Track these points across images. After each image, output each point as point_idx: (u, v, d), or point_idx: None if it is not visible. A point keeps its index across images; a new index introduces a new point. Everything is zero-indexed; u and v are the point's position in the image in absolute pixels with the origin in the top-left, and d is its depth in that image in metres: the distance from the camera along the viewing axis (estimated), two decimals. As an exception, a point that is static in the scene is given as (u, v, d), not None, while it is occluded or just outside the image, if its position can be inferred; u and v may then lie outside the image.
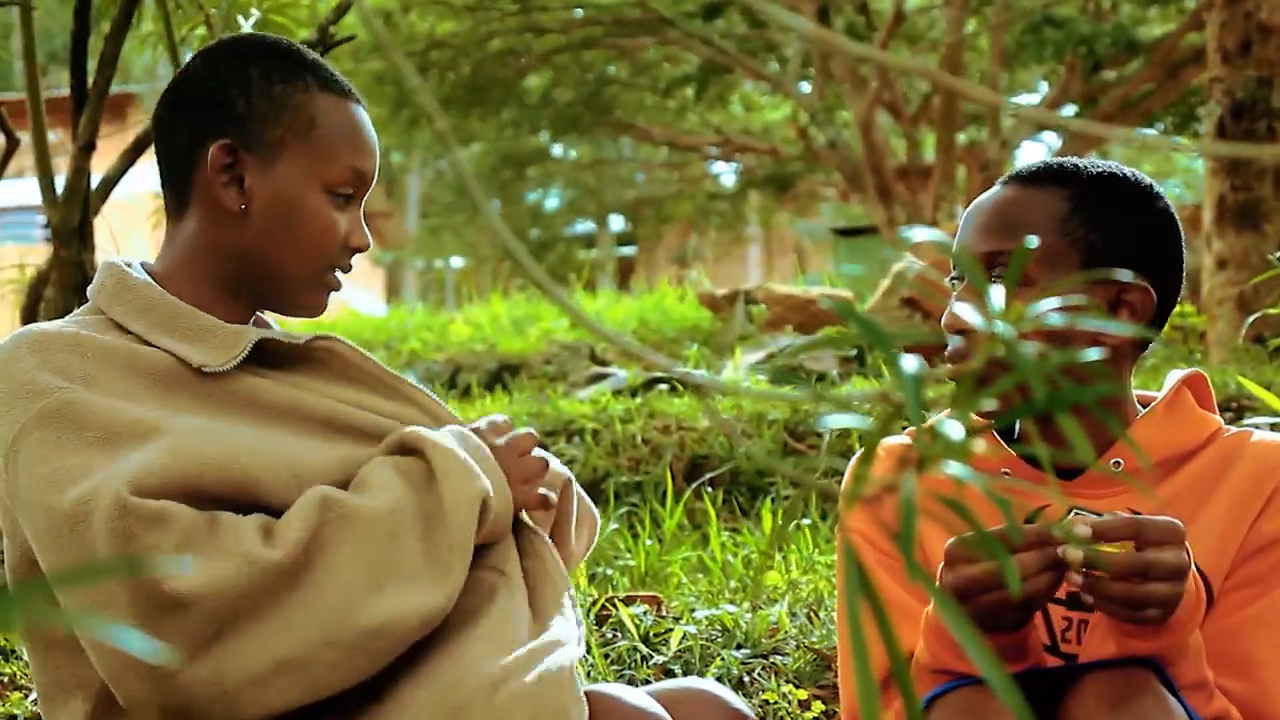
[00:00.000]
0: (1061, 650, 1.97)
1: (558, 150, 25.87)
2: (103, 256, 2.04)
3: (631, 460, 5.21)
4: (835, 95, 18.95)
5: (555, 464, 2.02)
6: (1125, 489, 2.01)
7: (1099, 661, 1.82)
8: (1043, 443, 2.03)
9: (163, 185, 1.98)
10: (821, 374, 7.13)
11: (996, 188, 2.04)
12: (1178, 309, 7.47)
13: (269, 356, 1.90)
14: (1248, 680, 1.92)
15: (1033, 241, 0.94)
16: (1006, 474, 2.04)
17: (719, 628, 3.11)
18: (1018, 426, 2.11)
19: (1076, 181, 2.01)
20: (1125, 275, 1.95)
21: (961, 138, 18.59)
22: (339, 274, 1.98)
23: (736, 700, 1.92)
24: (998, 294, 0.96)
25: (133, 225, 5.75)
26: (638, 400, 5.77)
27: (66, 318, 1.93)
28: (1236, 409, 5.06)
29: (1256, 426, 4.34)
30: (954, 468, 0.89)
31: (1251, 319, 4.72)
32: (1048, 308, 0.96)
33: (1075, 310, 1.95)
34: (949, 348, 2.01)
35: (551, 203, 28.77)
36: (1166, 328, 7.36)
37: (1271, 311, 4.25)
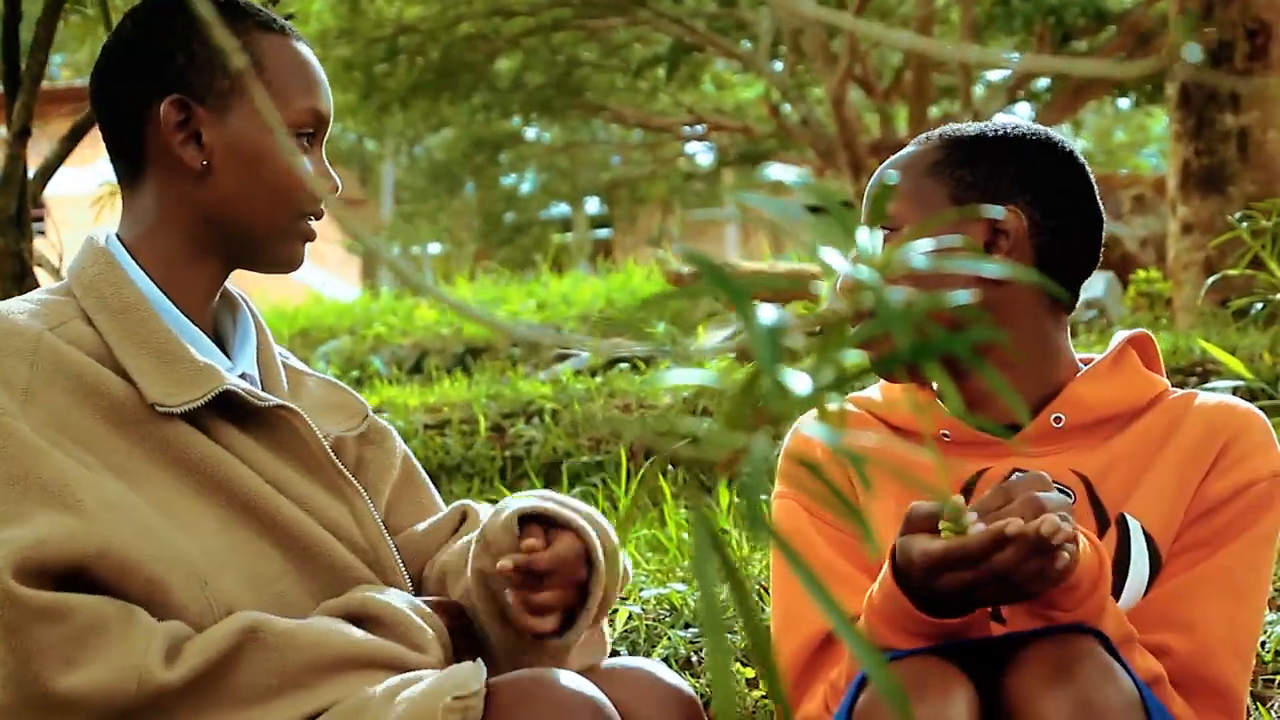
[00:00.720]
0: (1003, 617, 1.91)
1: (531, 133, 25.75)
2: (91, 233, 1.95)
3: (592, 440, 5.14)
4: (807, 72, 18.86)
5: None
6: (1068, 445, 1.97)
7: (1043, 629, 1.76)
8: (969, 401, 1.98)
9: (112, 158, 1.90)
10: (791, 351, 7.07)
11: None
12: (1144, 274, 7.42)
13: (224, 404, 1.81)
14: (1190, 640, 1.89)
15: (892, 177, 0.89)
16: (946, 436, 1.99)
17: (667, 607, 3.05)
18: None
19: (953, 134, 1.99)
20: (995, 211, 1.91)
21: (934, 111, 18.51)
22: (312, 222, 1.90)
23: (673, 677, 1.86)
24: (864, 239, 0.91)
25: (77, 218, 5.68)
26: (598, 379, 5.70)
27: (40, 295, 1.84)
28: (1201, 373, 5.01)
29: (1216, 390, 4.30)
30: (812, 427, 0.83)
31: (1210, 280, 4.67)
32: (914, 250, 0.90)
33: (946, 252, 1.91)
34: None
35: (526, 186, 28.67)
36: (1133, 293, 7.30)
37: (1231, 273, 4.21)
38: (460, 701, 1.63)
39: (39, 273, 4.12)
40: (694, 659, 2.87)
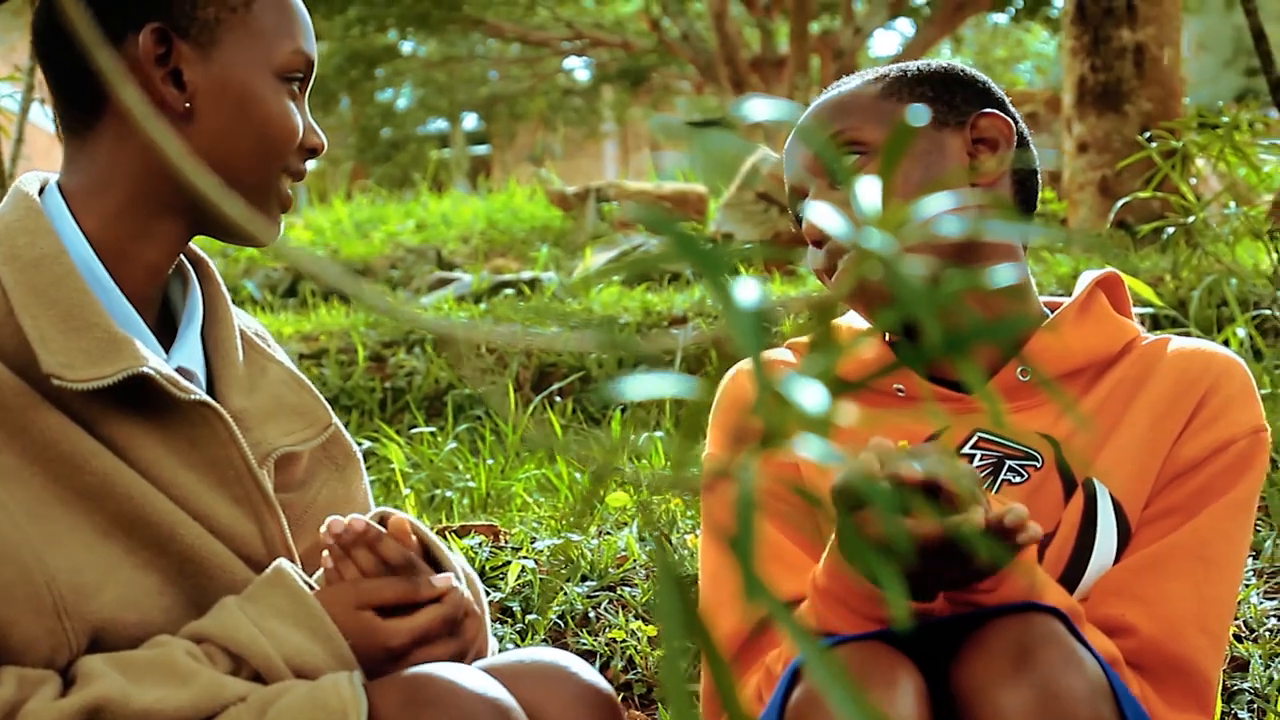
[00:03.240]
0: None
1: (408, 47, 25.28)
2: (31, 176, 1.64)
3: (475, 371, 4.93)
4: (687, -14, 18.63)
5: (453, 582, 1.64)
6: (1035, 402, 1.75)
7: (998, 608, 1.57)
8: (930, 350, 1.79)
9: (59, 101, 1.61)
10: (676, 273, 6.88)
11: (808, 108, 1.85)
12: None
13: (133, 391, 1.52)
14: (1154, 616, 1.67)
15: (921, 115, 0.69)
16: (900, 391, 1.78)
17: (562, 558, 2.85)
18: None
19: (881, 69, 1.83)
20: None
21: (815, 27, 18.36)
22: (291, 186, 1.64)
23: (589, 672, 1.63)
24: (865, 191, 0.71)
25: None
26: (482, 306, 5.48)
27: None
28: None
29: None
30: (811, 446, 0.64)
31: (1120, 204, 4.53)
32: (936, 210, 0.71)
33: (936, 179, 1.72)
34: (813, 262, 1.75)
35: (403, 103, 28.20)
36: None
37: (1142, 195, 4.06)
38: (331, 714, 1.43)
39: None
40: (591, 615, 2.68)
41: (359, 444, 4.27)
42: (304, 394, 1.74)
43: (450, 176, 21.59)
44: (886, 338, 1.82)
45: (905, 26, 20.76)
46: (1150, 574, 1.69)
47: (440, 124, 29.35)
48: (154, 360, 1.54)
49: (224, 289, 1.73)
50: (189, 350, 1.65)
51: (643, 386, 0.63)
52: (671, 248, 0.64)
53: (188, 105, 1.57)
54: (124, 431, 1.54)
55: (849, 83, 1.83)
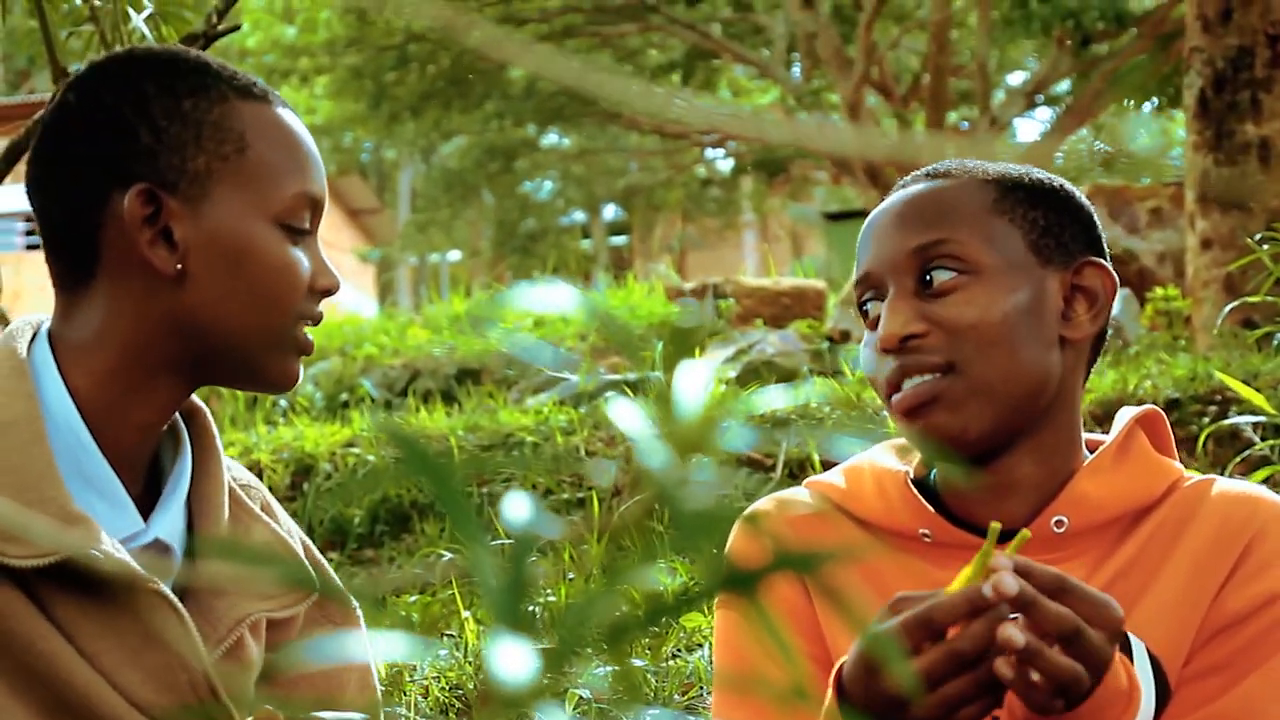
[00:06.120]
0: None
1: (548, 139, 25.54)
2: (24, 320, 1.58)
3: (574, 476, 4.85)
4: (823, 77, 18.65)
5: None
6: (1071, 553, 1.60)
7: None
8: (970, 496, 1.65)
9: (52, 257, 1.54)
10: (791, 371, 6.79)
11: (903, 191, 1.67)
12: (1161, 292, 7.11)
13: (89, 573, 1.42)
14: None
15: (695, 315, 0.61)
16: (926, 536, 1.64)
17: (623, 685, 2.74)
18: (933, 476, 1.71)
19: (992, 171, 1.66)
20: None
21: (952, 116, 18.26)
22: (308, 328, 1.55)
23: None
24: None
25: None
26: (582, 410, 5.42)
27: None
28: (1220, 403, 4.69)
29: (1237, 425, 3.98)
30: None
31: (1229, 308, 4.37)
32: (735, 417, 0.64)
33: (1025, 312, 1.60)
34: (873, 368, 1.62)
35: (542, 194, 28.47)
36: (1150, 311, 7.00)
37: (1251, 300, 3.90)
38: None
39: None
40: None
41: (443, 554, 4.21)
42: (287, 559, 1.63)
43: (590, 267, 21.68)
44: (911, 475, 1.70)
45: (1044, 115, 20.58)
46: None
47: (579, 215, 29.59)
48: (107, 543, 1.44)
49: (218, 440, 1.64)
50: (169, 520, 1.55)
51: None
52: (405, 464, 0.56)
53: (179, 266, 1.48)
54: (75, 615, 1.44)
55: (960, 173, 1.67)
